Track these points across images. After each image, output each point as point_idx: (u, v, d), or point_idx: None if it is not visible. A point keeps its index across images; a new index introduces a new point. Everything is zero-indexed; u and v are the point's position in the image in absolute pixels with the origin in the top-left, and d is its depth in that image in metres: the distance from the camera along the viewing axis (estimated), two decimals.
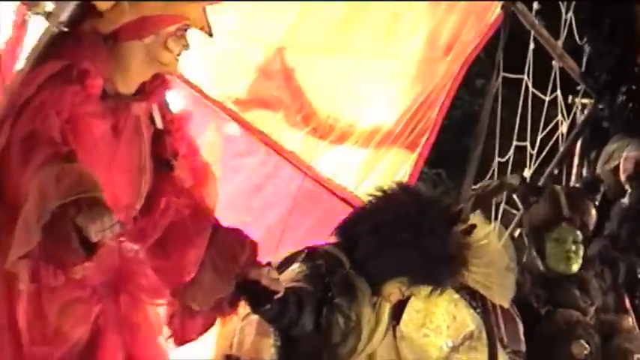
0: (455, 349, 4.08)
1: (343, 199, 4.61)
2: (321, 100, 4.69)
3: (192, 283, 3.04)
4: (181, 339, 3.14)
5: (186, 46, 3.00)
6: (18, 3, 3.23)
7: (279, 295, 3.13)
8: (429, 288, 3.77)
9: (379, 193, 3.85)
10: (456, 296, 4.12)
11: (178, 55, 3.00)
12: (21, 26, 3.24)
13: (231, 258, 3.05)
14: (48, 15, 3.26)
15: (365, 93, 4.75)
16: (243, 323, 3.68)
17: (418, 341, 4.01)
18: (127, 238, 3.04)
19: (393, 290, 3.74)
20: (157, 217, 3.07)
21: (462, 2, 4.74)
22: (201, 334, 3.18)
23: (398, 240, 3.70)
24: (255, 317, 3.57)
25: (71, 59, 2.87)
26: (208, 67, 4.40)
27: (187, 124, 3.19)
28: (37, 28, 3.18)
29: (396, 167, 4.68)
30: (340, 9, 4.57)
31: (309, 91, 4.64)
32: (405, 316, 3.95)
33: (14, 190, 2.74)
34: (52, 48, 2.99)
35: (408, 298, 3.89)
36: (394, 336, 3.92)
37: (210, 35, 3.06)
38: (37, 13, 3.42)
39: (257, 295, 3.10)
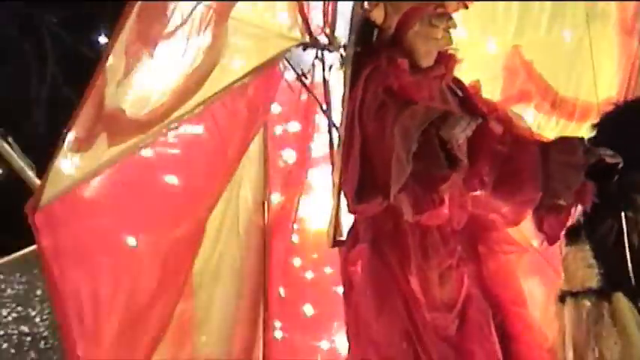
0: None
1: None
2: (558, 84, 5.38)
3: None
4: (554, 238, 3.82)
5: (452, 22, 3.86)
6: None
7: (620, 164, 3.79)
8: None
9: None
10: None
11: (446, 28, 3.85)
12: None
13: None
14: (343, 46, 4.25)
15: (589, 70, 5.39)
16: (569, 259, 4.30)
17: None
18: (467, 189, 3.81)
19: None
20: (487, 165, 3.74)
21: None
22: (565, 226, 3.87)
23: None
24: (579, 252, 4.19)
25: (375, 59, 3.79)
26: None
27: (479, 90, 4.00)
28: None
29: None
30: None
31: (548, 78, 5.34)
32: None
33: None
34: (358, 64, 3.90)
35: None
36: None
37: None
38: (332, 50, 4.41)
39: (604, 173, 3.78)
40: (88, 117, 3.83)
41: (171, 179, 4.04)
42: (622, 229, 3.95)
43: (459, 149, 3.40)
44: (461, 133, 3.35)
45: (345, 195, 3.72)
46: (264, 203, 4.40)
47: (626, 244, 3.87)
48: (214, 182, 4.09)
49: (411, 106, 3.47)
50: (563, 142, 3.78)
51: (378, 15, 3.80)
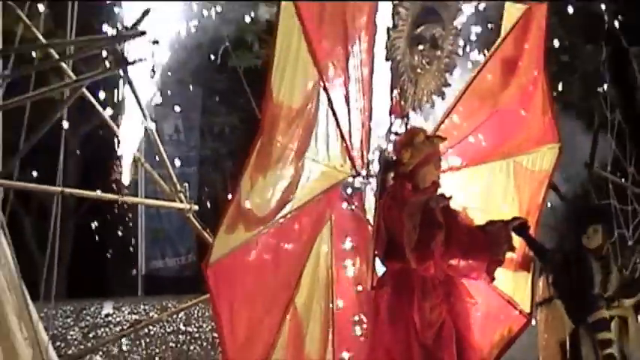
0: None
1: None
2: None
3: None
4: (494, 276, 7.02)
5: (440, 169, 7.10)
6: None
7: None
8: None
9: None
10: None
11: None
12: None
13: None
14: (375, 175, 7.39)
15: None
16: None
17: None
18: (446, 258, 6.93)
19: None
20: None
21: None
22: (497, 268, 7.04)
23: None
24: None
25: (393, 184, 6.97)
26: None
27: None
28: None
29: None
30: None
31: None
32: None
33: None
34: (383, 186, 7.07)
35: None
36: None
37: None
38: (369, 178, 7.56)
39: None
40: (233, 213, 6.91)
41: (285, 247, 7.12)
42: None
43: (439, 214, 6.52)
44: (440, 203, 6.51)
45: (378, 257, 6.87)
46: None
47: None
48: (305, 249, 7.20)
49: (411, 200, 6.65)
50: (492, 223, 6.97)
51: (405, 155, 6.97)
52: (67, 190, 8.70)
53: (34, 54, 9.53)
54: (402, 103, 7.51)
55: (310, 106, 7.01)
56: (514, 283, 8.04)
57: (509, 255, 7.13)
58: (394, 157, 7.20)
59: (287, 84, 6.84)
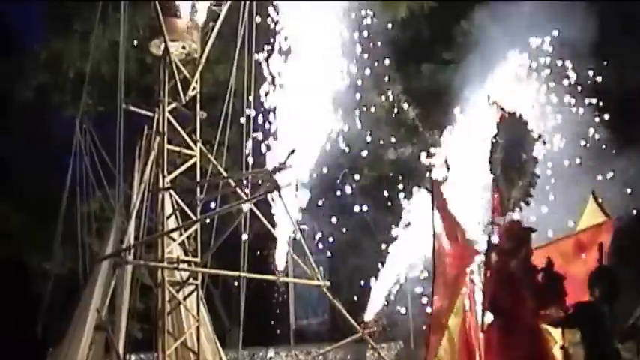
0: None
1: None
2: None
3: None
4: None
5: None
6: None
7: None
8: None
9: None
10: None
11: None
12: None
13: None
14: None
15: None
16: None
17: None
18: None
19: None
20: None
21: None
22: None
23: None
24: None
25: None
26: None
27: None
28: None
29: None
30: None
31: None
32: None
33: None
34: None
35: None
36: None
37: None
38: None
39: None
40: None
41: None
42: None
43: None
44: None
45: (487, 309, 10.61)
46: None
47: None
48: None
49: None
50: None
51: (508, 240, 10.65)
52: (244, 274, 12.97)
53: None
54: (501, 204, 10.95)
55: None
56: None
57: None
58: (497, 241, 10.47)
59: None
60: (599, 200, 12.00)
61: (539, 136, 11.46)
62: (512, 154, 11.08)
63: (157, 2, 12.66)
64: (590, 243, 11.51)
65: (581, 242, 11.68)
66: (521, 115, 11.29)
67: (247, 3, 13.20)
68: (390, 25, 16.33)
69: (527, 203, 11.26)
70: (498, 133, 10.83)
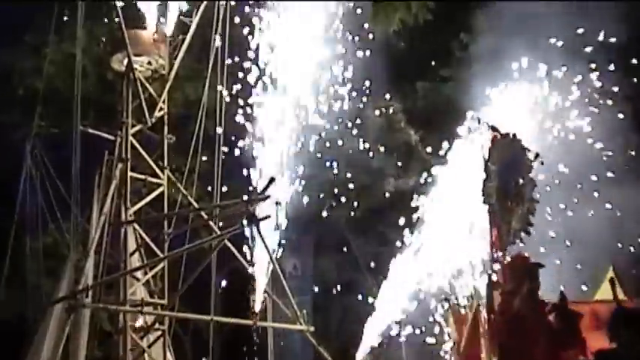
0: None
1: None
2: None
3: None
4: None
5: None
6: None
7: None
8: None
9: None
10: None
11: None
12: None
13: None
14: None
15: None
16: None
17: None
18: None
19: None
20: None
21: None
22: None
23: None
24: None
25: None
26: None
27: None
28: None
29: None
30: None
31: None
32: None
33: None
34: None
35: None
36: None
37: None
38: None
39: None
40: None
41: None
42: None
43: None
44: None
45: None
46: None
47: None
48: None
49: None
50: None
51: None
52: (216, 317, 11.91)
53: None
54: (500, 238, 10.12)
55: None
56: None
57: None
58: (500, 280, 9.66)
59: None
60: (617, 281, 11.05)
61: (537, 155, 10.66)
62: (507, 179, 10.40)
63: (119, 10, 11.68)
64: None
65: (597, 312, 10.70)
66: (515, 135, 10.52)
67: (222, 13, 12.24)
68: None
69: (528, 233, 10.52)
70: (491, 157, 10.15)
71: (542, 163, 10.74)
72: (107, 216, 11.59)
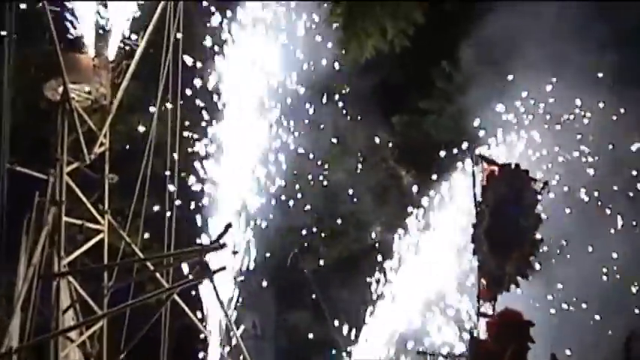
0: None
1: None
2: None
3: None
4: None
5: None
6: None
7: None
8: None
9: None
10: None
11: None
12: None
13: None
14: None
15: None
16: None
17: None
18: None
19: None
20: None
21: None
22: None
23: None
24: None
25: None
26: None
27: None
28: None
29: None
30: None
31: None
32: None
33: None
34: None
35: None
36: None
37: None
38: None
39: None
40: None
41: None
42: None
43: None
44: None
45: None
46: None
47: None
48: None
49: None
50: None
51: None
52: None
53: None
54: (491, 287, 9.00)
55: None
56: None
57: None
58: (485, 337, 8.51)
59: None
60: None
61: (545, 184, 9.58)
62: (505, 220, 9.24)
63: (53, 30, 10.48)
64: None
65: None
66: (517, 165, 9.41)
67: (172, 34, 11.21)
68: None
69: (527, 277, 9.41)
70: (484, 197, 9.05)
71: (549, 192, 9.84)
72: (37, 267, 10.47)
